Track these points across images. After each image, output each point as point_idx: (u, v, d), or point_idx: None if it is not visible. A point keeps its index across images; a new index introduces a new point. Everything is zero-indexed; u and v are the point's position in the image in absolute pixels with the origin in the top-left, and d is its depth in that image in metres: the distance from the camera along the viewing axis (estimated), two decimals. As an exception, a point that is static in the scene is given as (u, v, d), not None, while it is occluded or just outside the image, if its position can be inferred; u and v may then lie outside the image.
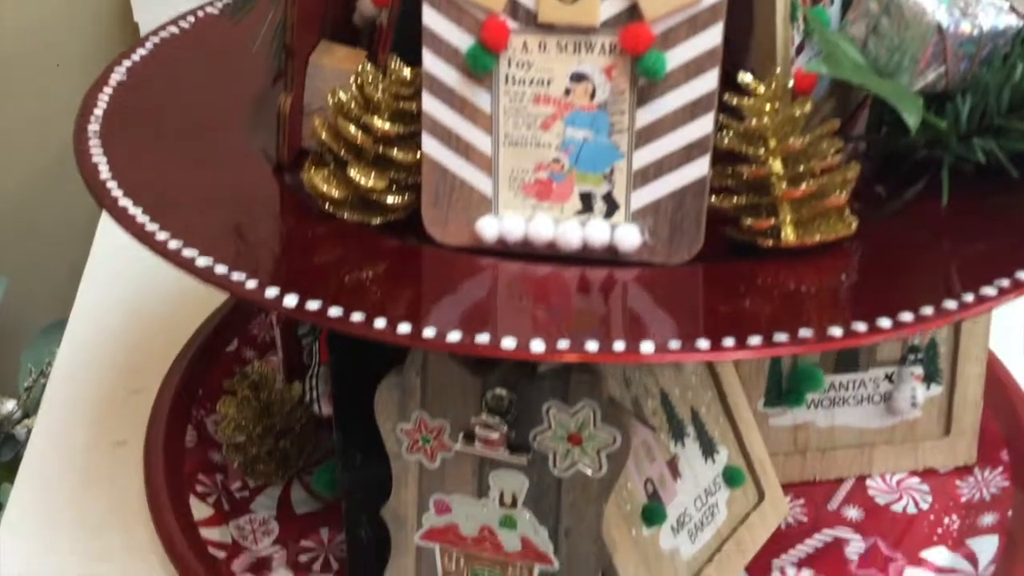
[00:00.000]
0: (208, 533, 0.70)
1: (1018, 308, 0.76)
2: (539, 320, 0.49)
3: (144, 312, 0.90)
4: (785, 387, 0.73)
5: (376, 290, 0.51)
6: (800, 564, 0.69)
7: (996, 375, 0.76)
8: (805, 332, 0.47)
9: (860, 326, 0.48)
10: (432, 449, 0.58)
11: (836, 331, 0.47)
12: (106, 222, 0.99)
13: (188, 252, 0.53)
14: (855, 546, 0.70)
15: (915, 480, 0.74)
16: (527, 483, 0.57)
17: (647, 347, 0.47)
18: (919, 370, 0.72)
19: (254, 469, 0.74)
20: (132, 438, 0.79)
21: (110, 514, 0.73)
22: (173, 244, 0.53)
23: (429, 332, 0.47)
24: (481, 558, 0.59)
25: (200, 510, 0.71)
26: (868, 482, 0.74)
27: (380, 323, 0.48)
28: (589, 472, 0.56)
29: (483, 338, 0.47)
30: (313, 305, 0.49)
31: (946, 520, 0.71)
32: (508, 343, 0.47)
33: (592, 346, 0.47)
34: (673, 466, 0.65)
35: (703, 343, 0.47)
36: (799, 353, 0.67)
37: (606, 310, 0.51)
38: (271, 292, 0.50)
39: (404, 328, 0.47)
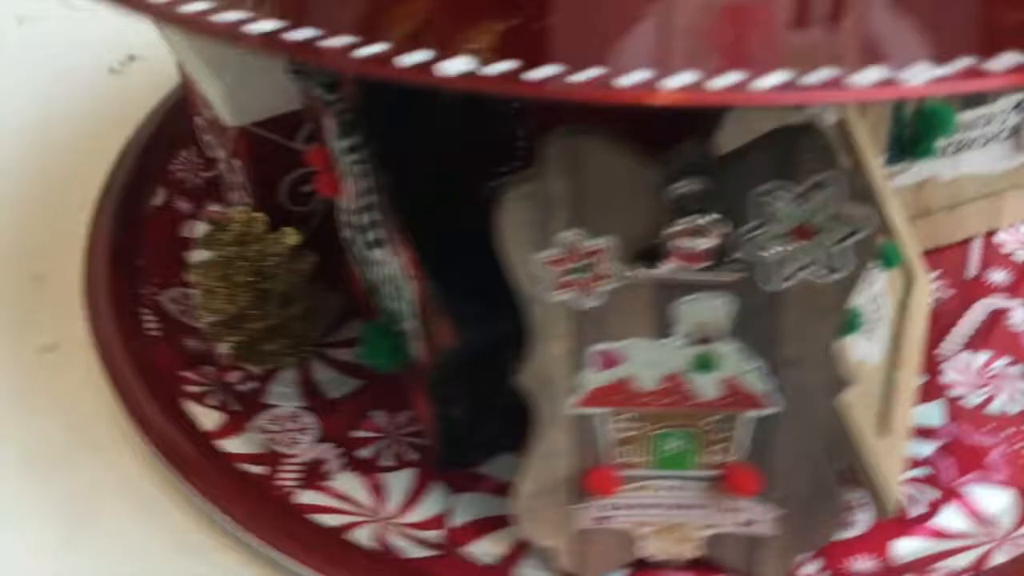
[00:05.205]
0: (227, 445, 0.51)
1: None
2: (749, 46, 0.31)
3: (15, 188, 0.68)
4: (910, 137, 0.58)
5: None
6: (967, 347, 0.57)
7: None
8: None
9: None
10: (589, 281, 0.41)
11: None
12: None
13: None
14: (1019, 315, 0.58)
15: (1048, 228, 0.63)
16: (734, 306, 0.41)
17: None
18: (1058, 92, 0.60)
19: (255, 351, 0.55)
20: (61, 340, 0.58)
21: (74, 449, 0.53)
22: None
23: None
24: (663, 416, 0.43)
25: (205, 417, 0.52)
26: (995, 240, 0.62)
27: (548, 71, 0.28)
28: (827, 276, 0.40)
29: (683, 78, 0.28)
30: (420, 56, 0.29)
31: (1101, 267, 0.60)
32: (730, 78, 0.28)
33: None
34: (839, 254, 0.50)
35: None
36: None
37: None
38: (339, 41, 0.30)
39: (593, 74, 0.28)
